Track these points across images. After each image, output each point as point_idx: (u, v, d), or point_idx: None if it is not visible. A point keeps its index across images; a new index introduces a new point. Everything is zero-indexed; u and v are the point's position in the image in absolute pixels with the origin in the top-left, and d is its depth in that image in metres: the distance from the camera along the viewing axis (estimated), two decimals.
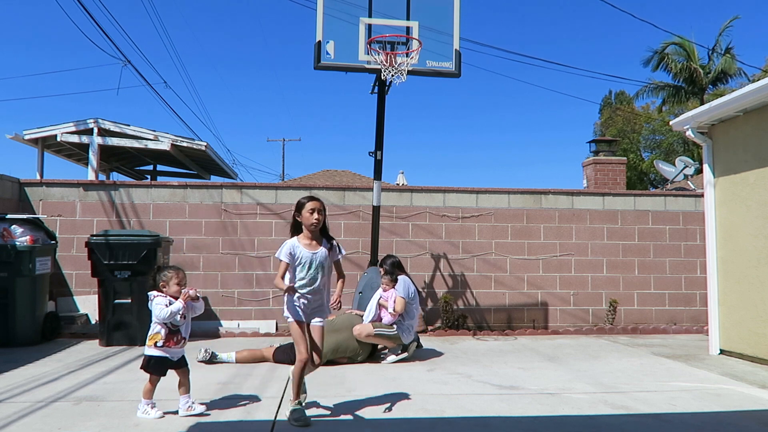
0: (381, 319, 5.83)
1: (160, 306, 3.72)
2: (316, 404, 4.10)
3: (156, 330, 3.76)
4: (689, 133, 6.56)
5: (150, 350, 3.77)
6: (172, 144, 10.24)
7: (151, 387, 3.79)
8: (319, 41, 6.62)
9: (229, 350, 5.73)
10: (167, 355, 3.77)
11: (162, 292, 3.81)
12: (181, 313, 3.76)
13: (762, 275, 5.82)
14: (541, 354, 6.29)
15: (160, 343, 3.74)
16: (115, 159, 12.77)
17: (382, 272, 6.06)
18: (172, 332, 3.79)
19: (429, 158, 71.33)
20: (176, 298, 3.78)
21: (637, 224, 8.57)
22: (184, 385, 3.85)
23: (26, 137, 10.43)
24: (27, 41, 77.08)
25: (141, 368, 3.81)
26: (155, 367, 3.77)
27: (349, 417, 3.84)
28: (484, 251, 8.30)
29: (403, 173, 17.79)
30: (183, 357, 3.86)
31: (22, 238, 6.39)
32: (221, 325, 7.66)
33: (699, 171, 10.96)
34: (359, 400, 4.26)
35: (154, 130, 10.27)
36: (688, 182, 13.62)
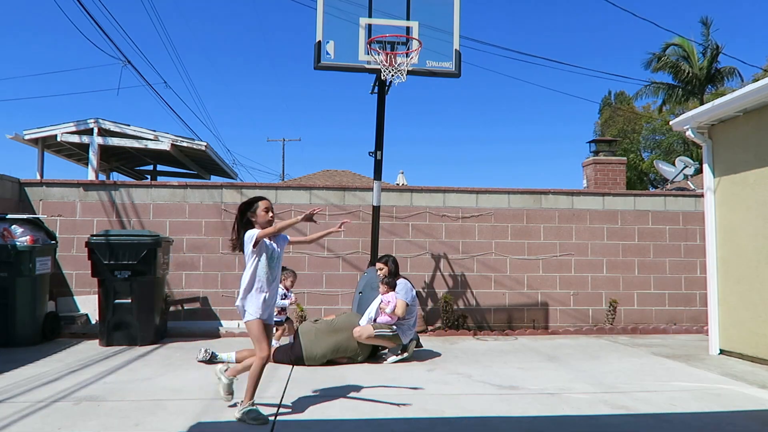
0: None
1: None
2: (316, 404, 4.10)
3: None
4: (689, 133, 6.56)
5: None
6: (172, 144, 10.25)
7: None
8: (319, 41, 6.62)
9: (229, 350, 5.71)
10: None
11: None
12: None
13: (762, 275, 5.82)
14: (541, 354, 6.29)
15: None
16: (115, 159, 12.77)
17: (381, 276, 6.04)
18: None
19: (429, 158, 71.35)
20: None
21: (637, 224, 8.57)
22: None
23: (26, 137, 10.43)
24: (27, 41, 77.14)
25: None
26: None
27: (350, 417, 3.84)
28: (484, 251, 8.29)
29: (403, 173, 17.80)
30: None
31: (22, 238, 6.39)
32: (221, 325, 7.67)
33: (699, 171, 10.94)
34: (359, 400, 4.26)
35: (154, 130, 10.27)
36: (688, 182, 13.60)
